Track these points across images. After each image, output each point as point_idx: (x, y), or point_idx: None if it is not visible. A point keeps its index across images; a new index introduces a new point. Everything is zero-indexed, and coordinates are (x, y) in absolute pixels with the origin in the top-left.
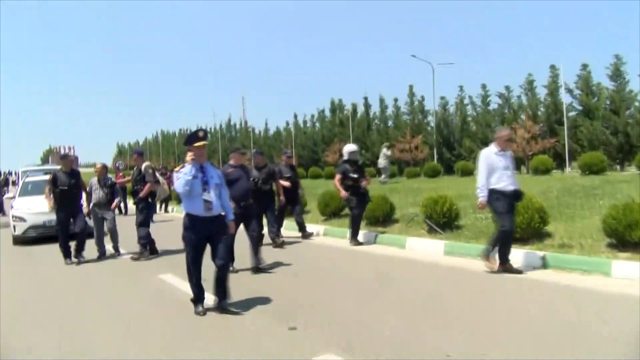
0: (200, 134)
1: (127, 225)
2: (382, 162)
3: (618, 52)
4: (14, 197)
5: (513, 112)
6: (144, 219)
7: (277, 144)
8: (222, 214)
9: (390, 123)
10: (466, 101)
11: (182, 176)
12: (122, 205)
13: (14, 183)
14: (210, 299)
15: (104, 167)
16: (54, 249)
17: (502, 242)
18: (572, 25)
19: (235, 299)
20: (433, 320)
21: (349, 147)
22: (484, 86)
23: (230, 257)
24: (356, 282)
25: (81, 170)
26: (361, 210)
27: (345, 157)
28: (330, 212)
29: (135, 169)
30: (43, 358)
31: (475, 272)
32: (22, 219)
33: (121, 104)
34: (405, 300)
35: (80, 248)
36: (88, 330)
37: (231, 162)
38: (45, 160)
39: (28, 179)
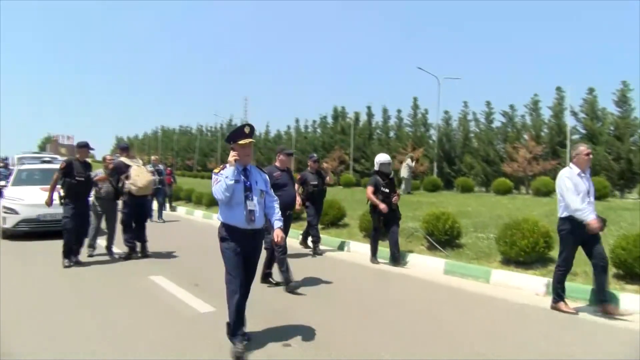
0: (247, 129)
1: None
2: (404, 172)
3: (625, 78)
4: (5, 186)
5: (516, 131)
6: (123, 219)
7: (276, 146)
8: (262, 227)
9: (392, 134)
10: (469, 117)
11: (223, 180)
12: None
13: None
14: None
15: None
16: (45, 245)
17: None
18: (580, 49)
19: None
20: (434, 346)
21: (381, 158)
22: (488, 103)
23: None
24: (354, 298)
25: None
26: (387, 228)
27: (376, 167)
28: (329, 221)
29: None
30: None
31: (476, 294)
32: (13, 211)
33: (123, 97)
34: (405, 321)
35: (78, 249)
36: (71, 334)
37: (277, 164)
38: (42, 149)
39: (23, 167)
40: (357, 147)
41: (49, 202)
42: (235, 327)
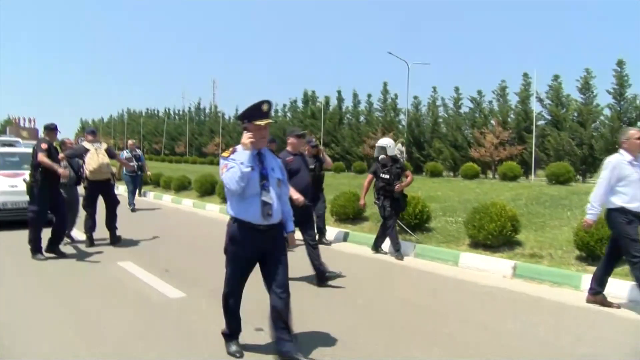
0: (265, 107)
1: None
2: (382, 157)
3: (589, 66)
4: None
5: (484, 116)
6: (82, 204)
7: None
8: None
9: (362, 118)
10: (439, 103)
11: (237, 166)
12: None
13: None
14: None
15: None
16: (7, 236)
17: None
18: (546, 36)
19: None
20: (403, 328)
21: (380, 142)
22: (457, 89)
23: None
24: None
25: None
26: (395, 220)
27: (376, 153)
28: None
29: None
30: None
31: (445, 277)
32: None
33: (86, 78)
34: (376, 304)
35: (58, 240)
36: (35, 322)
37: (289, 148)
38: (2, 131)
39: None
40: (328, 131)
41: (65, 175)
42: (230, 329)
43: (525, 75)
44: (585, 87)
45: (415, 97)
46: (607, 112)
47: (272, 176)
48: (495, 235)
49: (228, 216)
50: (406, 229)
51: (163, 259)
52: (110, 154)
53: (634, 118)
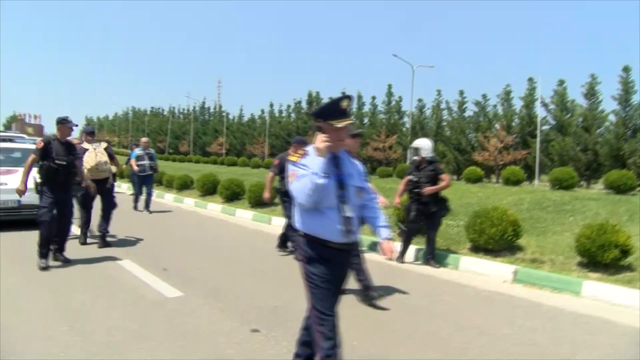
0: (345, 103)
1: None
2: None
3: (595, 72)
4: None
5: (488, 120)
6: (79, 201)
7: (250, 131)
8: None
9: (366, 120)
10: (443, 106)
11: (309, 175)
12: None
13: None
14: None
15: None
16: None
17: None
18: (552, 41)
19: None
20: (400, 332)
21: (415, 142)
22: (461, 92)
23: None
24: None
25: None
26: (422, 226)
27: (411, 154)
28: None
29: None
30: None
31: (445, 280)
32: None
33: (92, 76)
34: (384, 313)
35: (63, 244)
36: (29, 317)
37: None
38: (8, 127)
39: None
40: None
41: (22, 190)
42: None
43: (530, 80)
44: (591, 93)
45: (420, 100)
46: (612, 118)
47: (351, 185)
48: (496, 239)
49: (228, 215)
50: (402, 227)
51: (162, 257)
52: (109, 153)
53: (639, 125)
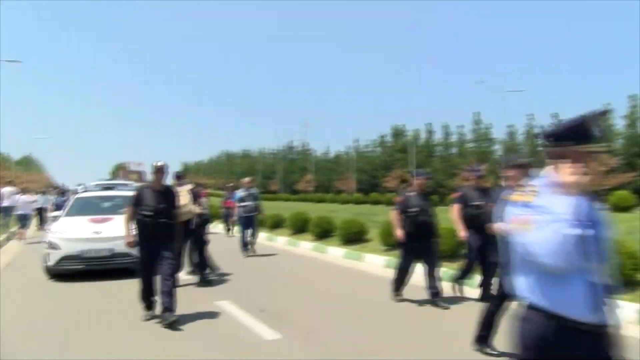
0: (602, 119)
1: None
2: None
3: None
4: (58, 217)
5: None
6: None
7: (336, 167)
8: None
9: (454, 150)
10: (536, 130)
11: (559, 223)
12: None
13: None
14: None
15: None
16: (92, 287)
17: None
18: None
19: None
20: None
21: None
22: (555, 115)
23: None
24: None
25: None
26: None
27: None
28: (393, 242)
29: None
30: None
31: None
32: (55, 247)
33: (187, 123)
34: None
35: (169, 303)
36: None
37: (508, 182)
38: (115, 176)
39: (80, 195)
40: (418, 164)
41: (131, 242)
42: None
43: (632, 97)
44: None
45: (510, 126)
46: None
47: (605, 237)
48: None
49: (320, 253)
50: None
51: (259, 297)
52: (194, 194)
53: None
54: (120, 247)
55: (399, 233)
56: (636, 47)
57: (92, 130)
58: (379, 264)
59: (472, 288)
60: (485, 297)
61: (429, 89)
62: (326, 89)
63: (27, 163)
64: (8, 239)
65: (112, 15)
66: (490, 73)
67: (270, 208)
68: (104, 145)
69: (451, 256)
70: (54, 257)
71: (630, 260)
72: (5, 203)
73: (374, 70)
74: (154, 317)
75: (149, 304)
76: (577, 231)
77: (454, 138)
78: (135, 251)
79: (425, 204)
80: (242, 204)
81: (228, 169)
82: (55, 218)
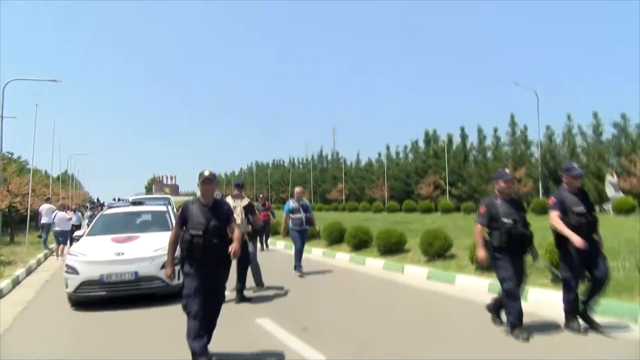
0: None
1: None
2: (610, 191)
3: None
4: (80, 237)
5: (631, 142)
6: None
7: (368, 175)
8: None
9: (489, 154)
10: (575, 131)
11: None
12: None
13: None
14: None
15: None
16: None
17: None
18: None
19: None
20: None
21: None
22: (595, 114)
23: None
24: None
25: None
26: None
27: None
28: (434, 252)
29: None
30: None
31: (620, 339)
32: (74, 271)
33: (218, 135)
34: None
35: (209, 335)
36: None
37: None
38: (149, 190)
39: (106, 212)
40: (452, 170)
41: (169, 274)
42: None
43: None
44: None
45: (548, 127)
46: None
47: None
48: None
49: (357, 265)
50: (555, 272)
51: (300, 314)
52: (250, 209)
53: None
54: (146, 269)
55: (481, 254)
56: None
57: (128, 145)
58: (421, 275)
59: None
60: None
61: (461, 91)
62: (355, 96)
63: (64, 179)
64: (46, 257)
65: (144, 31)
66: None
67: None
68: (139, 159)
69: None
70: (72, 283)
71: None
72: (44, 220)
73: (404, 74)
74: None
75: (201, 349)
76: None
77: (488, 141)
78: (163, 275)
79: (518, 212)
80: (293, 215)
81: (259, 179)
82: (77, 238)
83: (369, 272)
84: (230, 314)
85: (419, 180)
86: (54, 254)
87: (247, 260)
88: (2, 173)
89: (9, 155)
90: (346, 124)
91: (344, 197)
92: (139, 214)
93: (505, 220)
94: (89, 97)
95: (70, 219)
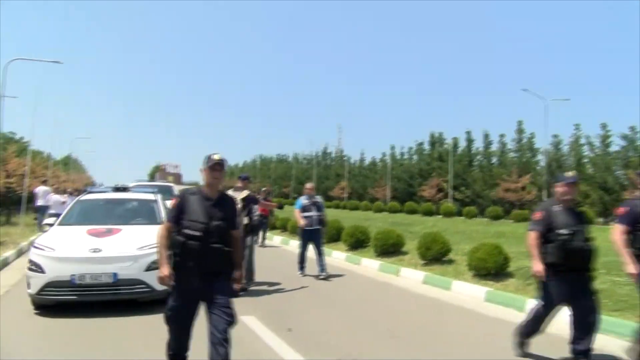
0: None
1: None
2: None
3: None
4: (50, 225)
5: (639, 155)
6: None
7: (372, 174)
8: None
9: (494, 160)
10: (582, 141)
11: None
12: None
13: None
14: None
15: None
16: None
17: None
18: None
19: None
20: None
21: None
22: (604, 125)
23: None
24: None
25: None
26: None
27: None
28: (432, 256)
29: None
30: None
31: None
32: (39, 268)
33: (222, 126)
34: None
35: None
36: None
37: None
38: (152, 177)
39: (84, 197)
40: (456, 174)
41: (163, 277)
42: None
43: None
44: None
45: (555, 136)
46: None
47: None
48: None
49: (353, 264)
50: None
51: (287, 314)
52: (251, 200)
53: None
54: (127, 271)
55: (537, 267)
56: None
57: (133, 132)
58: (416, 279)
59: None
60: None
61: (468, 96)
62: (362, 94)
63: (67, 163)
64: None
65: (152, 18)
66: (533, 82)
67: None
68: (143, 146)
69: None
70: (36, 283)
71: None
72: (40, 202)
73: (411, 75)
74: None
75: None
76: None
77: (494, 147)
78: (148, 278)
79: (580, 223)
80: (304, 214)
81: (262, 173)
82: (46, 227)
83: (364, 273)
84: None
85: (422, 182)
86: None
87: (242, 255)
88: (1, 153)
89: (12, 136)
90: (352, 123)
91: (346, 195)
92: (122, 201)
93: (562, 231)
94: (96, 83)
95: (64, 202)
